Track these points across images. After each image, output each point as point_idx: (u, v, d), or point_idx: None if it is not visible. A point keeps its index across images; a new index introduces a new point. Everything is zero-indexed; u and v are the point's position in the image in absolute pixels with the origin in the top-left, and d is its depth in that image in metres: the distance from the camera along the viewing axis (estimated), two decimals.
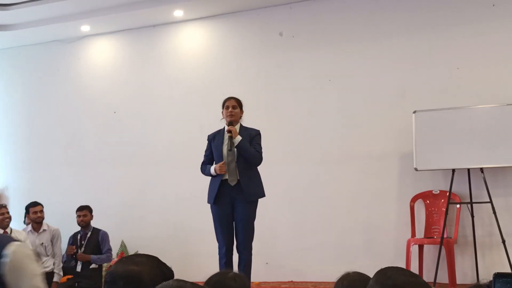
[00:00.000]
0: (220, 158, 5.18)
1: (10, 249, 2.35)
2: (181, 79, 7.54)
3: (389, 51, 6.60)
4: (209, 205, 5.26)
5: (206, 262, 6.65)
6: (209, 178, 5.30)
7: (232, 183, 5.11)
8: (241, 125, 5.29)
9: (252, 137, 5.21)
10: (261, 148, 5.23)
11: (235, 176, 5.12)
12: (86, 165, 7.90)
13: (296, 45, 7.00)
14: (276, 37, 7.10)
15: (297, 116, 6.92)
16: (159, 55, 7.68)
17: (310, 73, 6.91)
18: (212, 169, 5.17)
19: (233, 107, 5.24)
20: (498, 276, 1.71)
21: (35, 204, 6.73)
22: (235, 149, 5.09)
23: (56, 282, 6.57)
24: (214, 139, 5.32)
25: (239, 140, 5.09)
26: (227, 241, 5.15)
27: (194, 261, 6.93)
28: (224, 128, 5.32)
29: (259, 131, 5.31)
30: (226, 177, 5.13)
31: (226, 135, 5.17)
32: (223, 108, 5.30)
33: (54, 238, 6.76)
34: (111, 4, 7.20)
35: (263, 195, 5.27)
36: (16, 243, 2.40)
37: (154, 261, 2.03)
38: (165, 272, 2.00)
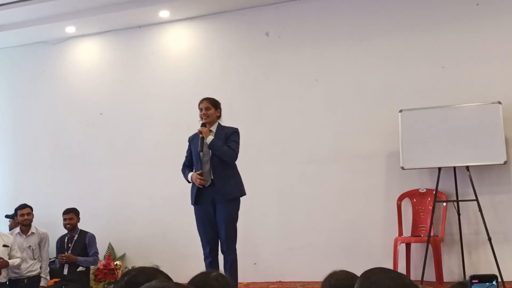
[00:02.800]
0: (197, 159, 5.17)
1: None
2: (167, 79, 7.51)
3: (375, 51, 6.62)
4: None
5: (193, 263, 6.60)
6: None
7: (206, 184, 5.09)
8: (218, 124, 5.25)
9: (228, 136, 5.18)
10: (236, 145, 5.18)
11: (209, 176, 5.10)
12: (72, 167, 7.85)
13: (283, 45, 7.01)
14: (262, 37, 7.10)
15: (284, 116, 6.92)
16: (145, 56, 7.65)
17: (296, 73, 6.92)
18: (189, 177, 5.19)
19: (206, 108, 5.19)
20: (473, 278, 1.73)
21: (23, 206, 6.66)
22: (209, 149, 5.09)
23: (43, 286, 6.50)
24: (193, 140, 5.31)
25: (211, 139, 5.07)
26: (210, 241, 5.13)
27: (181, 262, 6.89)
28: None
29: (236, 129, 5.27)
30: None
31: (199, 136, 5.14)
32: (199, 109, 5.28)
33: (42, 241, 6.68)
34: (96, 5, 7.16)
35: (241, 193, 5.23)
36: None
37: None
38: None
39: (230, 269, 5.00)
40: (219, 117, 5.29)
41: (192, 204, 5.21)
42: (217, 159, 5.10)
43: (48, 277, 6.58)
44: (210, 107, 5.21)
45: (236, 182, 5.20)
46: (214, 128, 5.19)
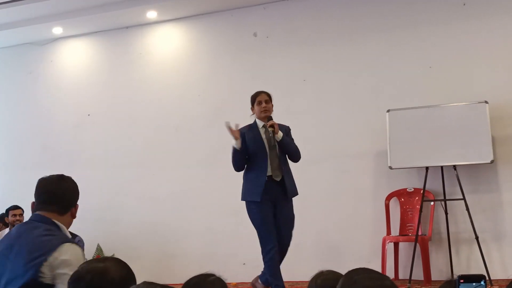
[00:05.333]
0: (263, 150, 4.89)
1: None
2: (155, 80, 7.50)
3: (362, 51, 6.64)
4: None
5: (182, 263, 6.65)
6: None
7: (277, 179, 4.87)
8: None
9: (287, 133, 5.03)
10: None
11: (279, 171, 4.89)
12: (60, 168, 7.65)
13: (270, 46, 7.01)
14: (250, 38, 7.11)
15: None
16: (132, 57, 7.63)
17: (284, 73, 6.93)
18: (234, 142, 4.84)
19: (265, 101, 4.99)
20: (461, 278, 1.74)
21: (15, 207, 6.66)
22: (278, 145, 4.88)
23: None
24: (248, 133, 4.98)
25: (281, 136, 4.87)
26: (275, 240, 4.89)
27: (170, 262, 6.89)
28: (255, 122, 5.08)
29: (289, 127, 5.12)
30: (270, 173, 4.88)
31: (269, 130, 4.87)
32: (253, 104, 5.06)
33: None
34: (84, 6, 7.14)
35: (297, 192, 5.09)
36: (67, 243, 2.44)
37: (121, 262, 2.07)
38: (132, 273, 2.04)
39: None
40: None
41: (254, 199, 4.87)
42: (282, 155, 4.93)
43: None
44: (269, 100, 5.03)
45: (294, 180, 5.04)
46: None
